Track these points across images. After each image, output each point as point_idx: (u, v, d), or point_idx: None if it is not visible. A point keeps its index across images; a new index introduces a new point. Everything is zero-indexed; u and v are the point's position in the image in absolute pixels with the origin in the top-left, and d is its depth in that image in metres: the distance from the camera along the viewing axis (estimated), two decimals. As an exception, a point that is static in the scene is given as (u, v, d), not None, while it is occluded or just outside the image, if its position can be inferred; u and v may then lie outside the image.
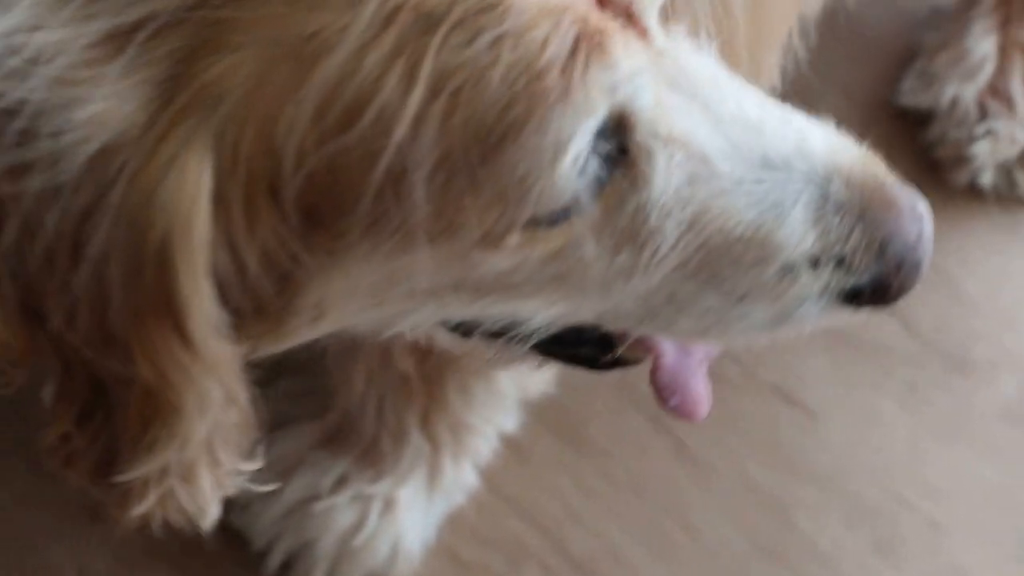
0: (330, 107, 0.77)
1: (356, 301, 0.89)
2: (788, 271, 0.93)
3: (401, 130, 0.77)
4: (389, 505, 1.50)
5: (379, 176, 0.79)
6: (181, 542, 1.37)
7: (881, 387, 1.69)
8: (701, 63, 0.91)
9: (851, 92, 1.90)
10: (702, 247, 0.91)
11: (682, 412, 1.08)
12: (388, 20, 0.76)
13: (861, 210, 0.94)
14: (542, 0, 0.79)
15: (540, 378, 1.50)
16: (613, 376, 1.63)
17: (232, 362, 0.85)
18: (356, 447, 1.48)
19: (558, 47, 0.79)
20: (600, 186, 0.86)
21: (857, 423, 1.66)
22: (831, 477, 1.62)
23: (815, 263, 0.94)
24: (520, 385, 1.49)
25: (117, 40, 0.76)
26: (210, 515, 0.94)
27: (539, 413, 1.55)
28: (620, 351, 1.03)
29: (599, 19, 0.82)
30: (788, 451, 1.64)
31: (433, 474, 1.50)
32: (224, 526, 1.48)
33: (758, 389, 1.67)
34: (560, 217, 0.86)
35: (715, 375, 1.63)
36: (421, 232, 0.82)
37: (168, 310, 0.80)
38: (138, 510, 0.90)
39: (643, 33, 0.86)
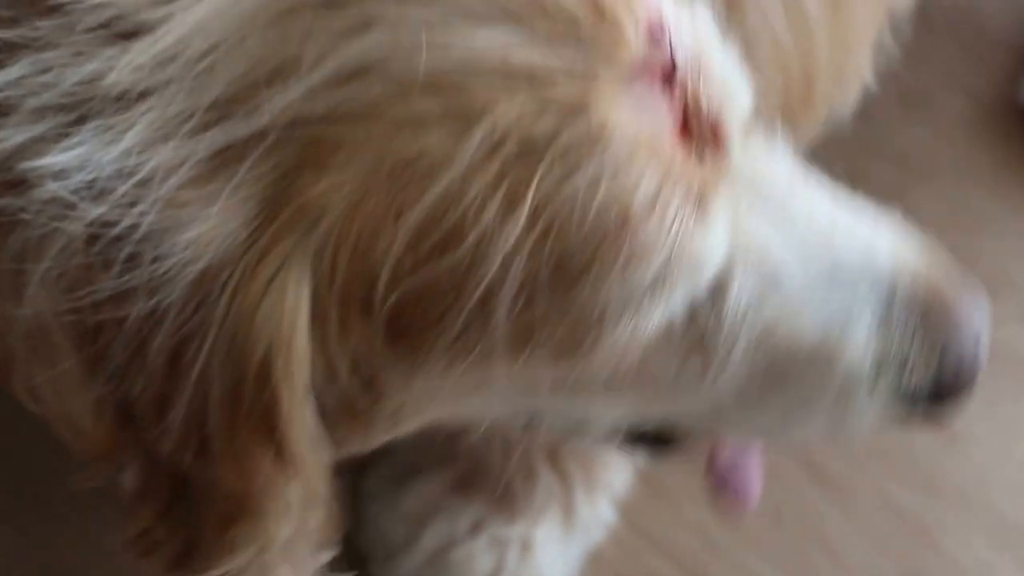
0: (429, 232, 0.77)
1: (436, 405, 0.90)
2: (851, 380, 0.95)
3: (496, 259, 0.77)
4: (526, 547, 1.49)
5: (467, 300, 0.79)
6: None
7: (1024, 401, 1.66)
8: (775, 170, 0.92)
9: (973, 92, 1.88)
10: (769, 359, 0.92)
11: (737, 503, 1.11)
12: (494, 148, 0.76)
13: (923, 316, 0.95)
14: (638, 132, 0.79)
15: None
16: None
17: (321, 468, 0.86)
18: (487, 490, 1.48)
19: (652, 190, 0.79)
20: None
21: (1000, 439, 1.64)
22: (974, 495, 1.60)
23: (876, 371, 0.95)
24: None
25: (228, 156, 0.76)
26: None
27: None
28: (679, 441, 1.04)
29: (694, 169, 0.82)
30: (928, 470, 1.62)
31: (567, 512, 1.49)
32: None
33: None
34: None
35: None
36: (499, 350, 0.82)
37: (267, 427, 0.80)
38: None
39: (725, 152, 0.86)
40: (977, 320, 0.98)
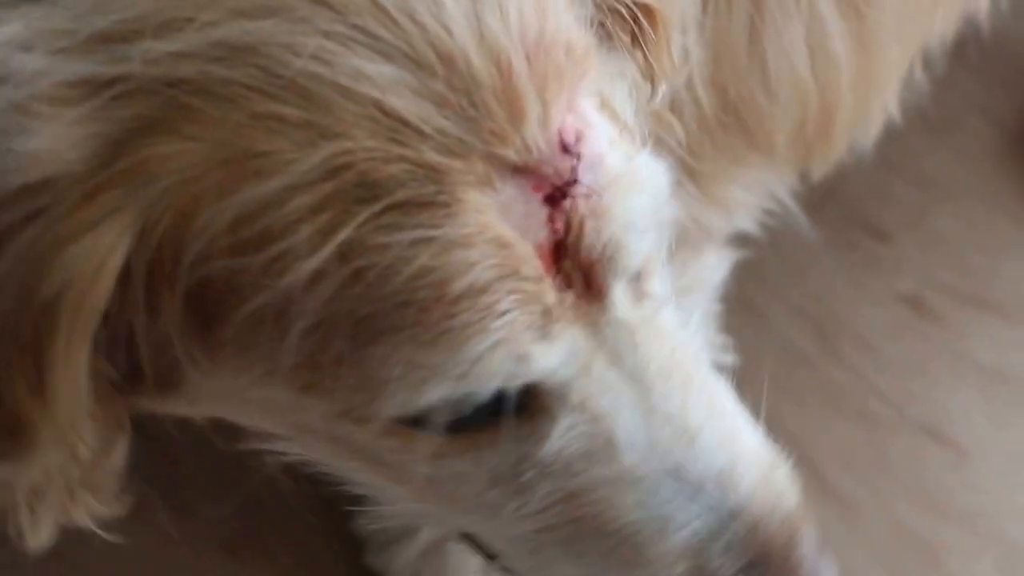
0: (244, 226, 0.76)
1: (226, 406, 0.89)
2: None
3: (294, 278, 0.76)
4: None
5: (262, 308, 0.78)
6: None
7: (1036, 426, 1.67)
8: (665, 347, 0.88)
9: (997, 118, 1.90)
10: (574, 521, 0.88)
11: None
12: (331, 173, 0.75)
13: (753, 560, 0.89)
14: (493, 224, 0.77)
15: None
16: (754, 413, 1.64)
17: (95, 420, 0.83)
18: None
19: (482, 282, 0.77)
20: (487, 420, 0.84)
21: (1010, 463, 1.64)
22: (983, 518, 1.60)
23: None
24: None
25: (90, 88, 0.75)
26: (41, 538, 0.91)
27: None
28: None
29: (548, 290, 0.80)
30: (936, 490, 1.62)
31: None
32: (363, 569, 1.51)
33: (908, 428, 1.66)
34: (434, 429, 0.84)
35: (864, 414, 1.67)
36: (284, 378, 0.81)
37: (35, 361, 0.78)
38: None
39: (598, 296, 0.83)
40: None
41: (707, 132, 1.17)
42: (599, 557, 0.90)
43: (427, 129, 0.75)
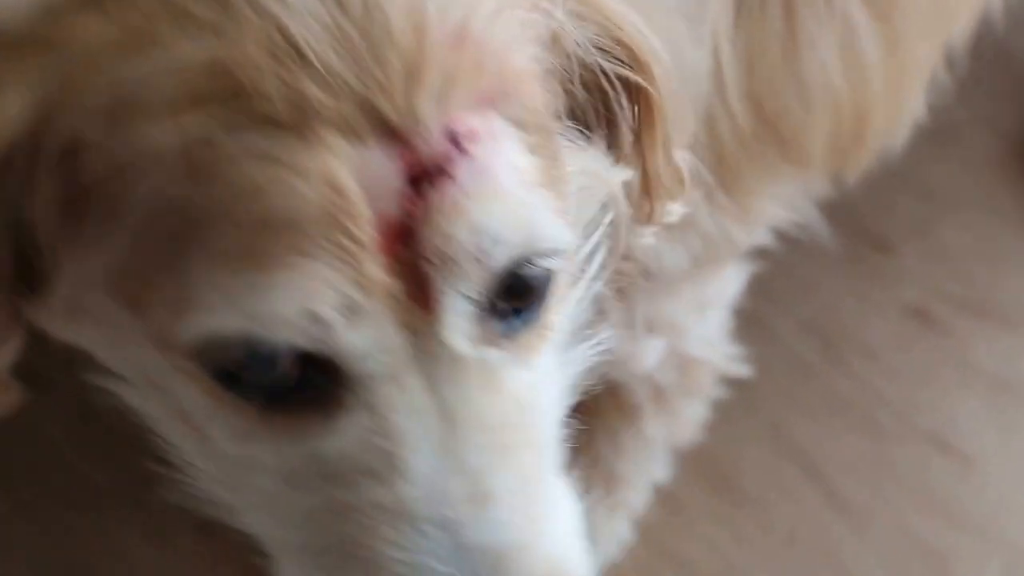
0: (114, 100, 0.75)
1: (75, 322, 0.85)
2: None
3: (136, 155, 0.75)
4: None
5: (106, 192, 0.77)
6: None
7: (1041, 433, 1.68)
8: (498, 403, 0.82)
9: (999, 129, 1.91)
10: (340, 540, 0.83)
11: None
12: (207, 70, 0.74)
13: None
14: (336, 170, 0.74)
15: (690, 426, 1.50)
16: (763, 425, 1.66)
17: None
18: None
19: (299, 217, 0.74)
20: (291, 405, 0.81)
21: (1015, 469, 1.65)
22: (989, 525, 1.61)
23: None
24: (670, 433, 1.48)
25: None
26: None
27: (691, 464, 1.55)
28: None
29: (374, 271, 0.76)
30: (944, 498, 1.63)
31: (587, 530, 1.48)
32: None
33: (913, 437, 1.67)
34: (237, 389, 0.81)
35: (869, 423, 1.68)
36: (115, 284, 0.80)
37: None
38: None
39: (430, 302, 0.78)
40: None
41: (742, 144, 1.16)
42: None
43: (314, 60, 0.74)
